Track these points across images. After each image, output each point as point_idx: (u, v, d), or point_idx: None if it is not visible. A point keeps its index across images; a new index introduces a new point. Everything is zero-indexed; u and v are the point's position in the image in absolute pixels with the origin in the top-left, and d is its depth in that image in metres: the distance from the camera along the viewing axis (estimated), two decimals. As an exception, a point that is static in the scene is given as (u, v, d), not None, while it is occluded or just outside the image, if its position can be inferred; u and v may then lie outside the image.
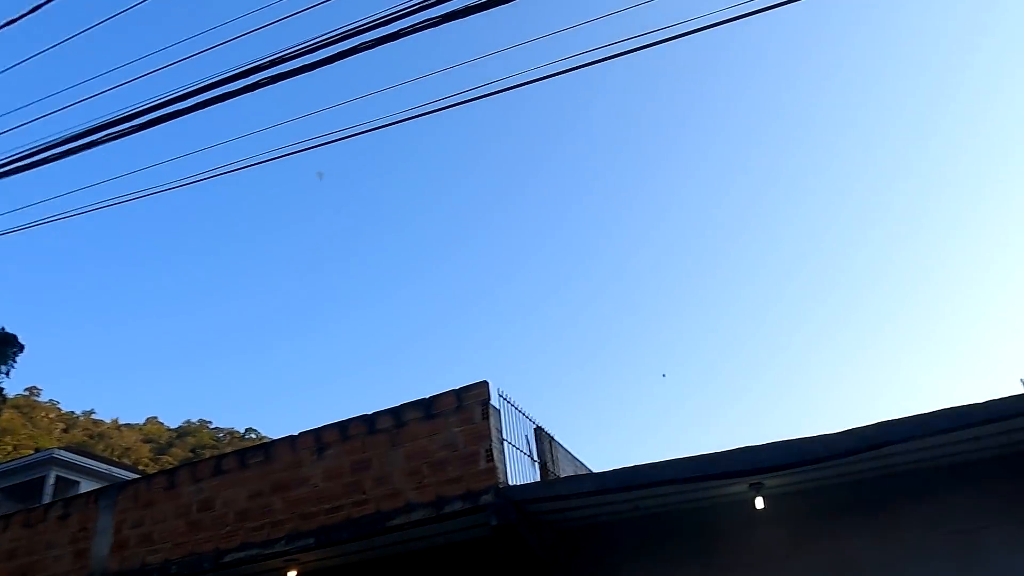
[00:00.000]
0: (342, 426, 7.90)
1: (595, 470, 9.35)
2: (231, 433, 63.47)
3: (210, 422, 66.01)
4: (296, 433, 8.17)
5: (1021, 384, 6.60)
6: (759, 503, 6.71)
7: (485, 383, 7.44)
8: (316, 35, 4.28)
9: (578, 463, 9.69)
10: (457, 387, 7.52)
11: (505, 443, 7.45)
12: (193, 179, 6.61)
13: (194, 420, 65.48)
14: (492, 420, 7.27)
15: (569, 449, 9.45)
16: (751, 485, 6.66)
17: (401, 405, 7.70)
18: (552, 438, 8.81)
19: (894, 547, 6.63)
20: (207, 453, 45.76)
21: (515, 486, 7.13)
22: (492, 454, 7.02)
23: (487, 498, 6.80)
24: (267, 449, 8.36)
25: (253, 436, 60.30)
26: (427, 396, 7.63)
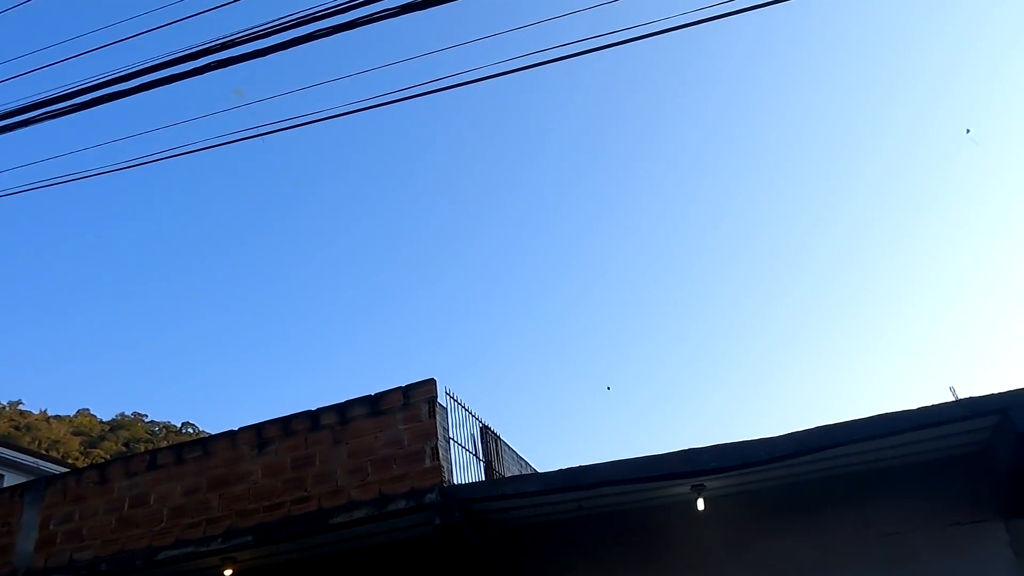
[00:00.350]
0: (284, 421, 7.74)
1: (540, 470, 9.39)
2: (167, 427, 61.63)
3: (145, 415, 63.99)
4: (236, 428, 7.98)
5: (950, 392, 6.84)
6: (700, 504, 6.81)
7: (432, 381, 7.38)
8: (269, 19, 4.16)
9: (523, 463, 9.70)
10: (404, 384, 7.44)
11: (451, 441, 7.41)
12: (131, 164, 6.37)
13: (128, 413, 63.39)
14: (439, 418, 7.21)
15: (515, 449, 9.47)
16: (693, 487, 6.75)
17: (346, 401, 7.58)
18: (498, 437, 8.81)
19: (829, 548, 6.80)
20: (141, 447, 44.42)
21: (460, 485, 7.09)
22: (437, 452, 6.97)
23: (431, 497, 6.75)
24: (205, 444, 8.14)
25: (190, 431, 58.70)
26: (373, 393, 7.53)
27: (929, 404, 6.00)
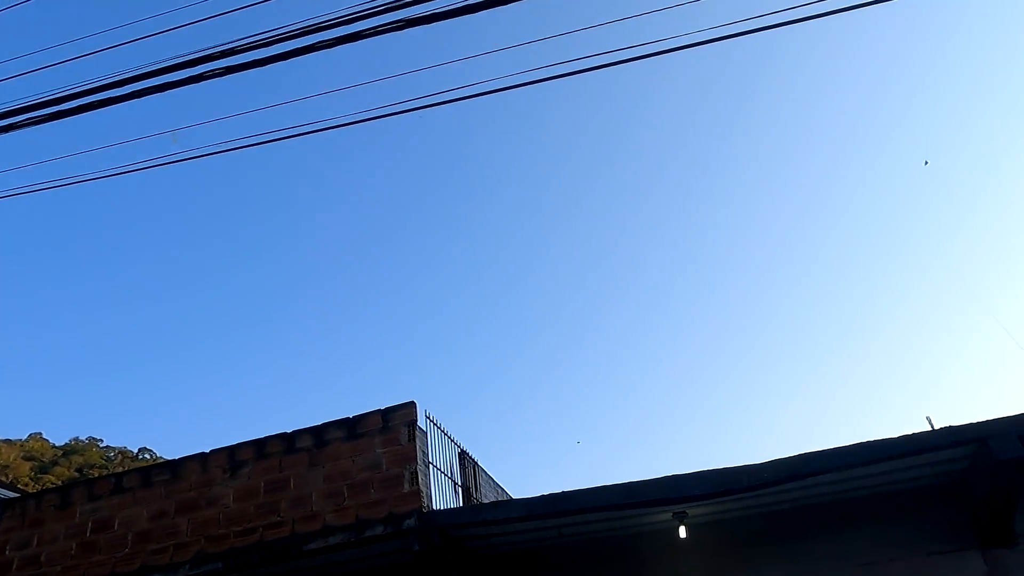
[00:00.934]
0: (259, 444, 7.56)
1: (515, 496, 9.27)
2: (123, 452, 59.94)
3: (100, 440, 62.16)
4: (207, 450, 7.76)
5: (927, 421, 6.91)
6: (682, 532, 6.75)
7: (412, 404, 7.27)
8: (272, 28, 4.13)
9: (499, 489, 9.58)
10: (383, 407, 7.31)
11: (430, 466, 7.28)
12: (106, 174, 6.22)
13: (82, 438, 61.54)
14: (418, 442, 7.09)
15: (491, 475, 9.34)
16: (675, 514, 6.70)
17: (323, 424, 7.44)
18: (476, 463, 8.69)
19: (807, 577, 6.78)
20: (96, 473, 43.04)
21: (439, 511, 6.96)
22: (416, 477, 6.85)
23: (410, 522, 6.61)
24: (174, 467, 7.90)
25: (147, 456, 57.16)
26: (351, 415, 7.39)
27: (910, 432, 6.05)
